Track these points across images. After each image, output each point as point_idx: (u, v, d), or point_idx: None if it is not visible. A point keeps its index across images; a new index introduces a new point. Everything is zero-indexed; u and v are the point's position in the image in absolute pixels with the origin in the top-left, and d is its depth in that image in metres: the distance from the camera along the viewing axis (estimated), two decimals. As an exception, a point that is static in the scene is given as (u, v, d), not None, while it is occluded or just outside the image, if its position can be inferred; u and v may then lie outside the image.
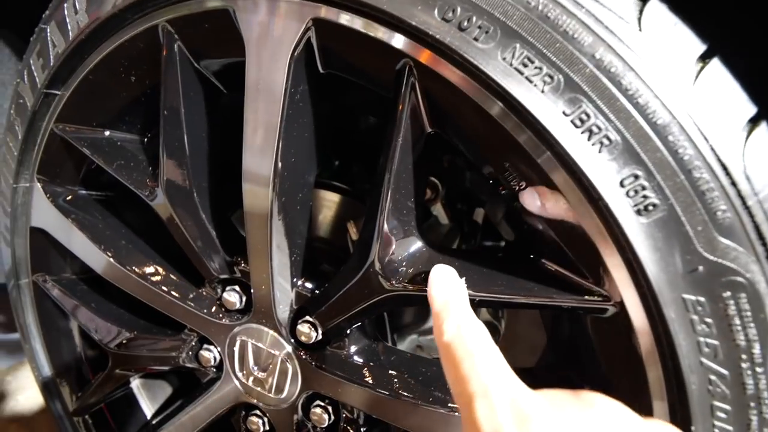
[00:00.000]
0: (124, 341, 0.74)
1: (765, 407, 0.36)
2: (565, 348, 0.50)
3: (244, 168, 0.52)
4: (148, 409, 0.89)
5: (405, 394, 0.53)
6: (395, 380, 0.55)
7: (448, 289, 0.40)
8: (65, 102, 0.63)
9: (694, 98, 0.35)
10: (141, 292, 0.68)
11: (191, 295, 0.67)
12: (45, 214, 0.71)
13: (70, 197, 0.72)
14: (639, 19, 0.35)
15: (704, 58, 0.35)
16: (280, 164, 0.51)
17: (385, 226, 0.46)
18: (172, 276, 0.69)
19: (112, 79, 0.61)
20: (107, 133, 0.67)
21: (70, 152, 0.68)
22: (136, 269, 0.68)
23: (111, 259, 0.67)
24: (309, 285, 0.61)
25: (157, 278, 0.68)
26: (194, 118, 0.59)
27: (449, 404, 0.51)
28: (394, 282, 0.48)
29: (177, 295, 0.67)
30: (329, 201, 0.72)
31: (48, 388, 0.83)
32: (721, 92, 0.35)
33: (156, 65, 0.57)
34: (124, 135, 0.69)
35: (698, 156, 0.34)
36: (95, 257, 0.68)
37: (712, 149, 0.34)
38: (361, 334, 0.62)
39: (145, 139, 0.70)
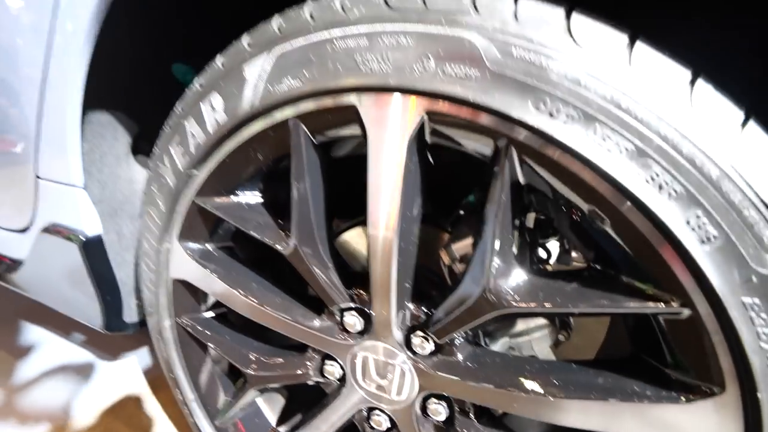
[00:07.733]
0: (258, 364, 0.89)
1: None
2: (641, 341, 0.63)
3: (372, 219, 0.65)
4: (270, 417, 1.05)
5: (510, 386, 0.67)
6: (502, 376, 0.69)
7: None
8: (205, 180, 0.78)
9: (739, 154, 0.47)
10: (275, 324, 0.83)
11: (316, 321, 0.82)
12: (186, 268, 0.87)
13: (203, 252, 0.87)
14: (690, 99, 0.48)
15: (744, 123, 0.47)
16: (400, 215, 0.64)
17: (495, 261, 0.60)
18: (297, 307, 0.83)
19: (242, 158, 0.75)
20: (233, 198, 0.82)
21: (205, 217, 0.83)
22: (269, 305, 0.82)
23: (249, 300, 0.82)
24: (417, 305, 0.75)
25: (286, 310, 0.83)
26: (313, 182, 0.73)
27: (549, 390, 0.64)
28: (503, 302, 0.61)
29: (305, 322, 0.81)
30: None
31: (191, 409, 1.00)
32: (761, 148, 0.47)
33: (278, 145, 0.71)
34: (246, 199, 0.83)
35: (746, 198, 0.46)
36: (235, 300, 0.83)
37: (756, 193, 0.46)
38: (465, 342, 0.76)
39: (263, 200, 0.84)
